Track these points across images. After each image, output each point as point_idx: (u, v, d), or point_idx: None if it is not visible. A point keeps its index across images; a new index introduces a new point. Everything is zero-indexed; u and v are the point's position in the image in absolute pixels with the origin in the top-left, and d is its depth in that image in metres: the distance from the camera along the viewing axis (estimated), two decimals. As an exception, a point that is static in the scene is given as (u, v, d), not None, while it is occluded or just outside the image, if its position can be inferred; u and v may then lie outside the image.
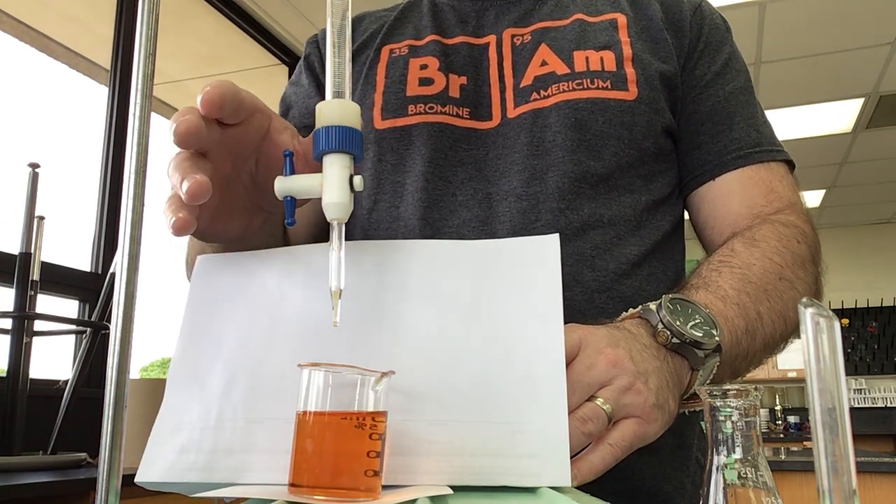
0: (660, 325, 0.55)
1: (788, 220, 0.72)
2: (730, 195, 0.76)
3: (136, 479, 0.47)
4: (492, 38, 0.80)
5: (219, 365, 0.50)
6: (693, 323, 0.56)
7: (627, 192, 0.73)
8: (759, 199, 0.75)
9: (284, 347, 0.50)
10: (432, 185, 0.73)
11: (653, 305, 0.56)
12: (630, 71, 0.74)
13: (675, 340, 0.54)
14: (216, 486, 0.46)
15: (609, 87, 0.73)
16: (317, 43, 0.90)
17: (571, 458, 0.45)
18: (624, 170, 0.73)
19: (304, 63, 0.89)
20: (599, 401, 0.49)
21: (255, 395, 0.49)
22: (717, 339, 0.56)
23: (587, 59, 0.75)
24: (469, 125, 0.76)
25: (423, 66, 0.79)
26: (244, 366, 0.50)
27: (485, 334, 0.49)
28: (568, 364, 0.49)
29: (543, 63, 0.76)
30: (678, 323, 0.55)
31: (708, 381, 0.58)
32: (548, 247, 0.51)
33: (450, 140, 0.75)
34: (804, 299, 0.29)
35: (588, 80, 0.74)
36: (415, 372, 0.48)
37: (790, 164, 0.79)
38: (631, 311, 0.59)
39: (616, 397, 0.50)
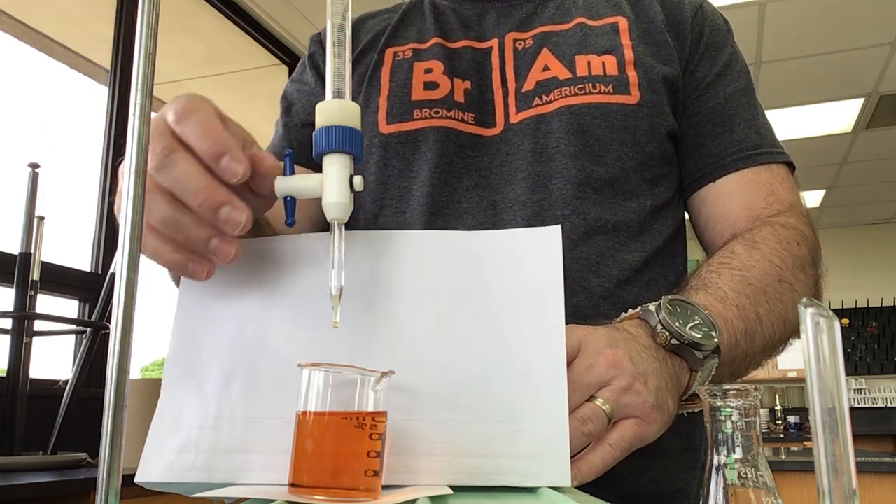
0: (659, 327, 0.55)
1: (788, 222, 0.72)
2: (730, 197, 0.75)
3: (136, 480, 0.47)
4: (494, 42, 0.80)
5: (215, 362, 0.50)
6: (692, 324, 0.56)
7: (633, 197, 0.73)
8: (759, 201, 0.75)
9: (281, 344, 0.50)
10: (438, 191, 0.73)
11: (652, 307, 0.56)
12: (632, 74, 0.74)
13: (674, 342, 0.54)
14: (215, 486, 0.46)
15: (611, 91, 0.73)
16: (321, 41, 0.89)
17: (571, 458, 0.45)
18: (629, 174, 0.73)
19: (308, 61, 0.88)
20: (599, 401, 0.49)
21: (252, 394, 0.49)
22: (715, 340, 0.56)
23: (589, 63, 0.75)
24: (474, 131, 0.75)
25: (428, 70, 0.78)
26: (240, 363, 0.50)
27: (485, 332, 0.48)
28: (568, 364, 0.49)
29: (545, 68, 0.76)
30: (677, 324, 0.55)
31: (707, 382, 0.58)
32: (549, 240, 0.50)
33: (455, 146, 0.74)
34: (804, 299, 0.29)
35: (590, 85, 0.73)
36: (415, 371, 0.47)
37: (791, 167, 0.79)
38: (630, 311, 0.59)
39: (616, 398, 0.49)
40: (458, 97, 0.76)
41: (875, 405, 6.10)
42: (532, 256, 0.50)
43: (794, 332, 0.68)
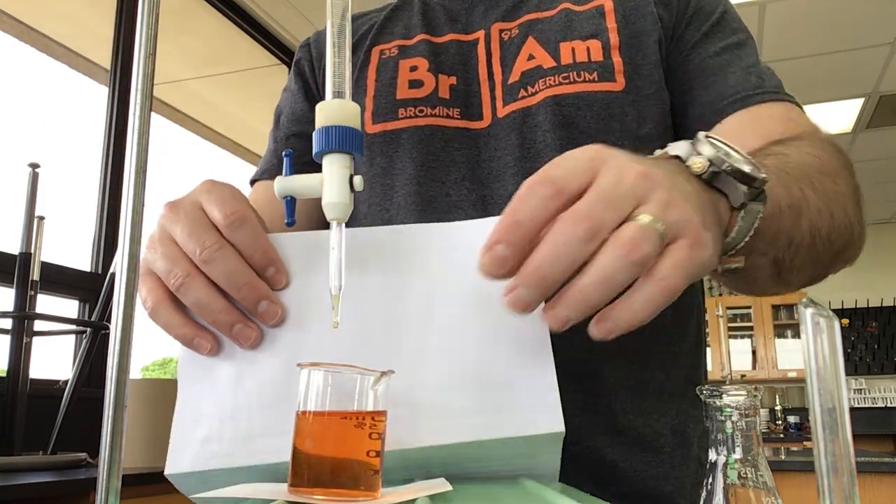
0: (693, 155, 0.45)
1: (818, 136, 0.66)
2: (741, 131, 0.69)
3: (166, 473, 0.48)
4: (480, 34, 0.79)
5: (226, 358, 0.51)
6: (736, 154, 0.46)
7: None
8: (776, 127, 0.67)
9: (284, 341, 0.51)
10: (425, 187, 0.73)
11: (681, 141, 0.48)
12: (617, 60, 0.73)
13: (713, 169, 0.44)
14: (227, 483, 0.46)
15: (595, 79, 0.72)
16: (308, 46, 0.90)
17: (610, 301, 0.40)
18: None
19: (294, 67, 0.89)
20: (644, 216, 0.39)
21: (263, 386, 0.50)
22: (763, 175, 0.45)
23: (573, 50, 0.74)
24: (460, 125, 0.75)
25: (413, 68, 0.78)
26: (250, 359, 0.51)
27: (473, 313, 0.49)
28: (588, 186, 0.40)
29: (530, 57, 0.75)
30: (721, 152, 0.45)
31: (748, 237, 0.47)
32: None
33: (441, 141, 0.74)
34: (804, 299, 0.29)
35: (574, 74, 0.72)
36: (413, 360, 0.48)
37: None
38: (657, 152, 0.50)
39: (661, 212, 0.39)
40: (442, 94, 0.76)
41: (875, 405, 6.11)
42: None
43: (842, 234, 0.58)
